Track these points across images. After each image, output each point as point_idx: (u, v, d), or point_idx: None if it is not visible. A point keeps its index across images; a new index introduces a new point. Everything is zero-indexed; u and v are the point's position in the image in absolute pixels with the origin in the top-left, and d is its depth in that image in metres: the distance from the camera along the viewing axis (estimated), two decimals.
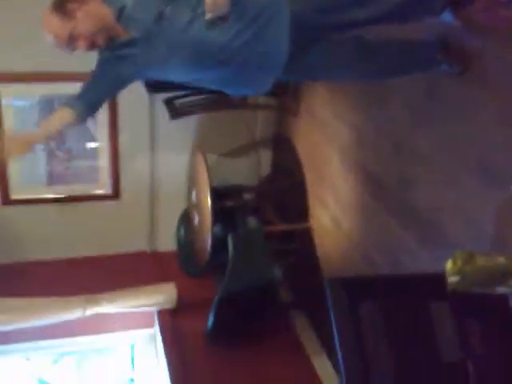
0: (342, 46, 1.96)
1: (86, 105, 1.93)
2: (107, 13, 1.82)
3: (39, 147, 3.71)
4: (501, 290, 1.40)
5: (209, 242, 3.31)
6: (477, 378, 1.49)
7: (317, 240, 3.48)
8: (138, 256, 4.02)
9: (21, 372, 3.78)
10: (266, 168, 4.15)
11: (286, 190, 3.87)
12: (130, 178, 3.91)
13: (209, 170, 3.33)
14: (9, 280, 3.62)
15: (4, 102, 3.49)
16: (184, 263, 3.91)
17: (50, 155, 3.83)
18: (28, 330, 3.37)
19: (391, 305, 1.44)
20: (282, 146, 3.95)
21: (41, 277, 3.68)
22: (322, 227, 3.41)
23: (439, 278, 1.37)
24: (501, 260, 1.38)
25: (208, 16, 1.72)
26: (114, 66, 1.90)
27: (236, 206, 3.77)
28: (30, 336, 3.41)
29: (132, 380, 4.41)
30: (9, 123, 3.52)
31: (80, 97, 1.93)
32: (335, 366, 3.21)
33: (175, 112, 3.61)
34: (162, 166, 3.94)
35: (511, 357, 1.48)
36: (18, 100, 3.59)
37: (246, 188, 3.96)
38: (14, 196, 3.78)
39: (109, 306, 3.45)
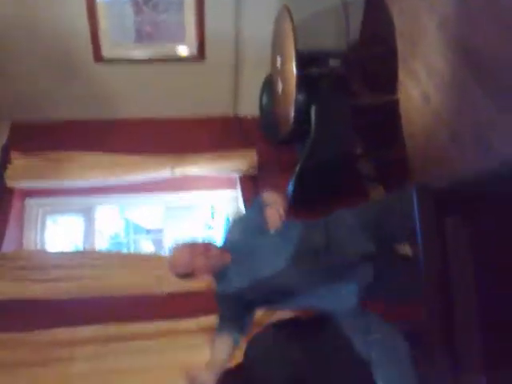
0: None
1: (244, 330, 2.30)
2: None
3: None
4: None
5: (292, 110, 3.26)
6: None
7: (403, 114, 3.34)
8: (221, 120, 4.05)
9: (114, 218, 4.19)
10: (355, 32, 3.86)
11: (375, 58, 3.63)
12: (216, 39, 3.81)
13: (295, 33, 3.15)
14: (99, 136, 3.83)
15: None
16: (266, 130, 3.93)
17: (138, 10, 3.79)
18: (122, 185, 3.67)
19: (481, 221, 1.36)
20: (375, 9, 3.62)
21: (128, 134, 3.84)
22: (410, 101, 3.24)
23: None
24: None
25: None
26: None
27: (322, 73, 3.63)
28: (123, 190, 3.71)
29: (210, 227, 4.83)
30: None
31: (231, 326, 2.25)
32: None
33: None
34: (247, 28, 3.78)
35: None
36: None
37: (333, 54, 3.76)
38: (105, 53, 3.83)
39: (193, 167, 3.63)
